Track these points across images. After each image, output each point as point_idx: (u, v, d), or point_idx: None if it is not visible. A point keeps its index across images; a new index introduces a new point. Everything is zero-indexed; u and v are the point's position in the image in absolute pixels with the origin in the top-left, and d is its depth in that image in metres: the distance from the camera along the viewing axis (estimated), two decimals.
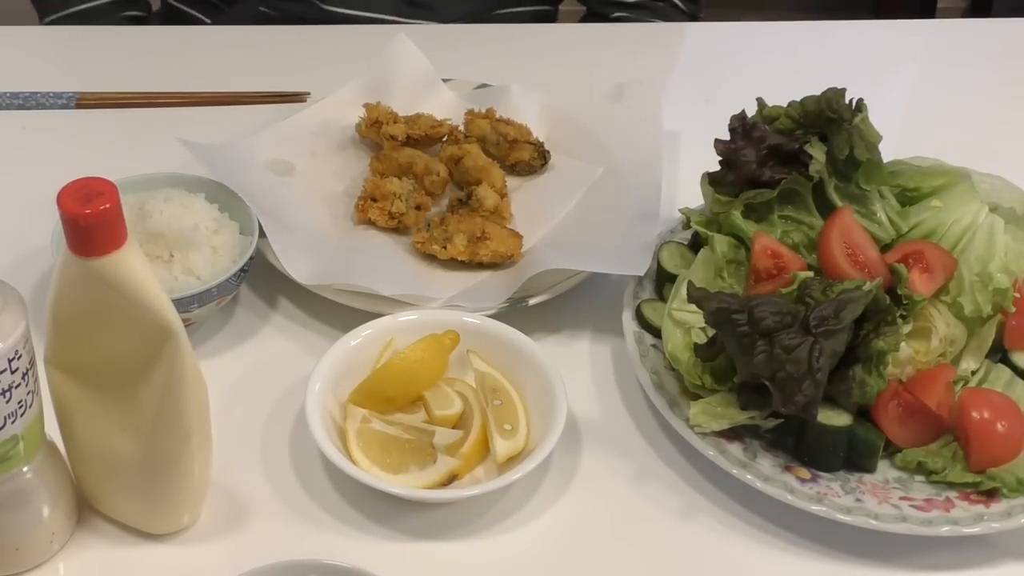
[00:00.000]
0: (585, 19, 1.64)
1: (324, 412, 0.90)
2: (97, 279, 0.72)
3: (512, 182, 1.17)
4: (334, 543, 0.87)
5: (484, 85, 1.30)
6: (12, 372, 0.74)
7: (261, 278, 1.07)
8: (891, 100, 1.41)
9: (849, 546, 0.88)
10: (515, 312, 1.02)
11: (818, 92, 1.04)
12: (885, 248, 1.00)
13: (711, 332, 0.92)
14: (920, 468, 0.90)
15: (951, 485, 0.89)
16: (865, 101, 1.03)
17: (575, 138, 1.22)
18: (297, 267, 1.04)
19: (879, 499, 0.87)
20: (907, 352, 0.93)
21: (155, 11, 1.63)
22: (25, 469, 0.80)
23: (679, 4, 1.58)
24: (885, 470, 0.91)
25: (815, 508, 0.86)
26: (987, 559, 0.88)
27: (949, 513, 0.86)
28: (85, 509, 0.87)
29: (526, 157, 1.19)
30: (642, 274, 1.03)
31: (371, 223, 1.10)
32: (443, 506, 0.90)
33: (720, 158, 1.05)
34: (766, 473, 0.89)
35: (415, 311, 1.00)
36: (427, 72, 1.28)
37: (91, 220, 0.70)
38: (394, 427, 0.91)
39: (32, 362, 0.77)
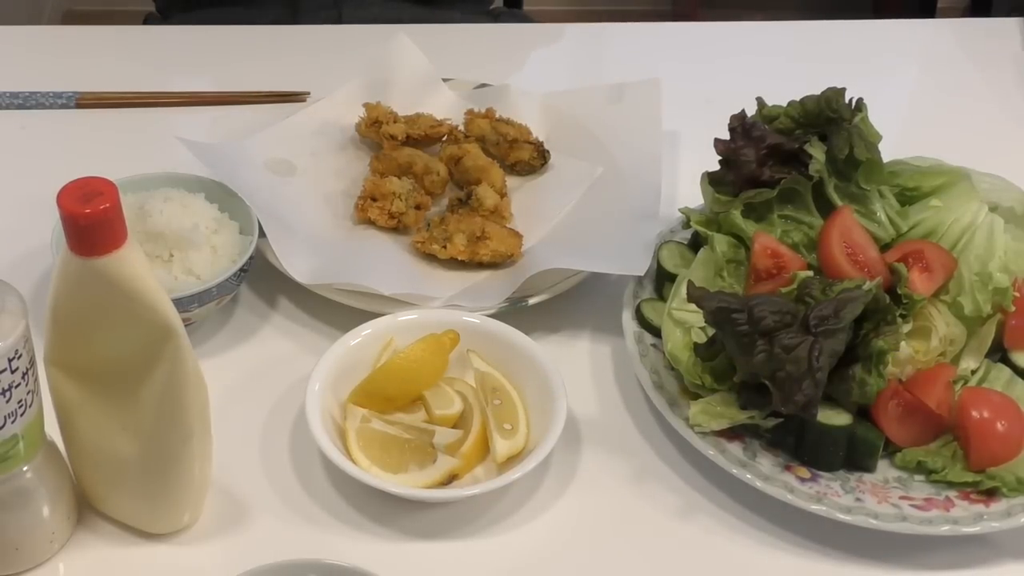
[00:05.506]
0: None
1: (324, 412, 0.90)
2: (97, 279, 0.72)
3: (512, 182, 1.17)
4: (334, 543, 0.87)
5: (484, 85, 1.30)
6: (12, 372, 0.74)
7: (261, 278, 1.07)
8: (891, 100, 1.41)
9: (849, 546, 0.88)
10: (515, 312, 1.02)
11: (818, 92, 1.04)
12: (885, 248, 1.00)
13: (711, 332, 0.92)
14: (920, 467, 0.90)
15: (951, 485, 0.89)
16: (865, 101, 1.03)
17: (575, 138, 1.22)
18: (297, 267, 1.04)
19: (879, 498, 0.87)
20: (907, 351, 0.93)
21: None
22: (25, 469, 0.80)
23: None
24: (885, 469, 0.91)
25: (815, 507, 0.86)
26: (987, 559, 0.88)
27: (949, 513, 0.86)
28: (85, 509, 0.87)
29: (526, 157, 1.19)
30: (642, 274, 1.03)
31: (371, 223, 1.10)
32: (443, 506, 0.90)
33: (720, 158, 1.05)
34: (766, 472, 0.89)
35: (415, 311, 1.00)
36: (427, 72, 1.28)
37: (91, 220, 0.70)
38: (394, 427, 0.91)
39: (32, 362, 0.77)
